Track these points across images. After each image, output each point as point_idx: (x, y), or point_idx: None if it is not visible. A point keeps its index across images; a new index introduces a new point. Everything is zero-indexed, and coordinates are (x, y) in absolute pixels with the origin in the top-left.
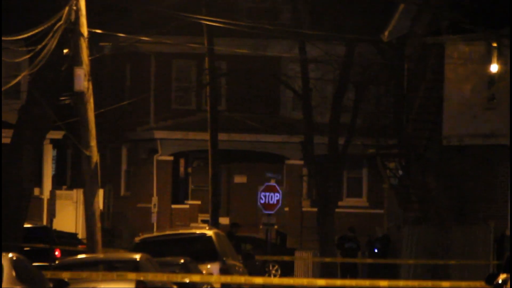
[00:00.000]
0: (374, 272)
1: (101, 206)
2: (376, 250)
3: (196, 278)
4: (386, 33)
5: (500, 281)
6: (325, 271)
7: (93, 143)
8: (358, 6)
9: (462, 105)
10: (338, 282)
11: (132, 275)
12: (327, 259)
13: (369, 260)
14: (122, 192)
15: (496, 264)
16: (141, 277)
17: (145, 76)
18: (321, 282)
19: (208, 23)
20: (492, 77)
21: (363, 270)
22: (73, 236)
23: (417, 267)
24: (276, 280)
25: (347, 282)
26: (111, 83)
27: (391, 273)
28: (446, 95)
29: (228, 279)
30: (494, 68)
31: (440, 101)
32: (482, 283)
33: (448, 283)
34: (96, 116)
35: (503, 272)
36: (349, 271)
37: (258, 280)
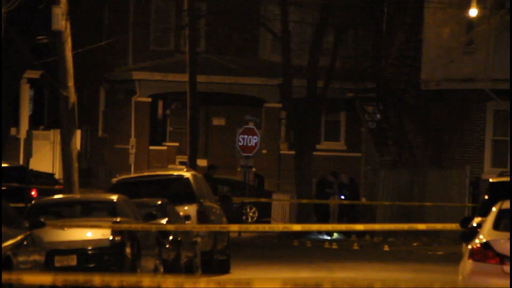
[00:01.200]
0: (350, 217)
1: (78, 146)
2: (343, 197)
3: (170, 227)
4: None
5: (474, 224)
6: (302, 214)
7: (71, 83)
8: None
9: (441, 49)
10: (314, 227)
11: (106, 219)
12: (304, 201)
13: (345, 202)
14: (100, 133)
15: (471, 207)
16: (117, 225)
17: (123, 17)
18: (297, 227)
19: None
20: (470, 22)
21: (337, 214)
22: (49, 176)
23: (393, 209)
24: (252, 227)
25: (323, 226)
26: (89, 23)
27: (367, 217)
28: (424, 39)
29: (203, 228)
30: (473, 12)
31: (418, 45)
32: (457, 226)
33: (424, 225)
34: (74, 56)
35: (478, 215)
36: (325, 215)
37: (234, 227)
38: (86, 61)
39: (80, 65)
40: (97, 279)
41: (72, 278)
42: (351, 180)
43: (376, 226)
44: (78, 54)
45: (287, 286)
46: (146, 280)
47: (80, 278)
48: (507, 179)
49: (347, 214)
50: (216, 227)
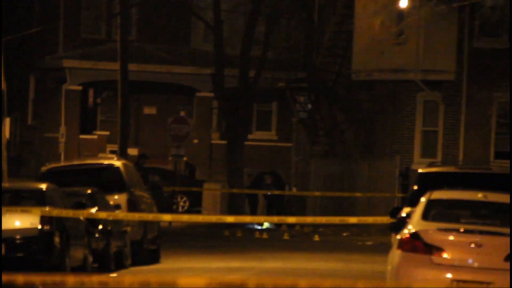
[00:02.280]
0: (279, 207)
1: (7, 134)
2: (264, 187)
3: (102, 215)
4: None
5: (403, 215)
6: (234, 204)
7: (1, 70)
8: None
9: (371, 40)
10: (248, 218)
11: (37, 210)
12: (235, 190)
13: (277, 192)
14: (30, 121)
15: (401, 197)
16: (47, 212)
17: (54, 4)
18: (230, 219)
19: None
20: (401, 13)
21: (266, 204)
22: None
23: (324, 199)
24: (185, 217)
25: (256, 218)
26: (20, 10)
27: (298, 207)
28: (355, 29)
29: (136, 216)
30: (403, 3)
31: (349, 35)
32: (388, 219)
33: (355, 218)
34: (3, 43)
35: (407, 205)
36: (255, 205)
37: (167, 217)
38: (16, 48)
39: (10, 52)
40: (20, 278)
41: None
42: (274, 175)
43: (308, 219)
44: (8, 41)
45: (212, 285)
46: (71, 279)
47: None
48: (436, 169)
49: (277, 204)
50: (149, 216)
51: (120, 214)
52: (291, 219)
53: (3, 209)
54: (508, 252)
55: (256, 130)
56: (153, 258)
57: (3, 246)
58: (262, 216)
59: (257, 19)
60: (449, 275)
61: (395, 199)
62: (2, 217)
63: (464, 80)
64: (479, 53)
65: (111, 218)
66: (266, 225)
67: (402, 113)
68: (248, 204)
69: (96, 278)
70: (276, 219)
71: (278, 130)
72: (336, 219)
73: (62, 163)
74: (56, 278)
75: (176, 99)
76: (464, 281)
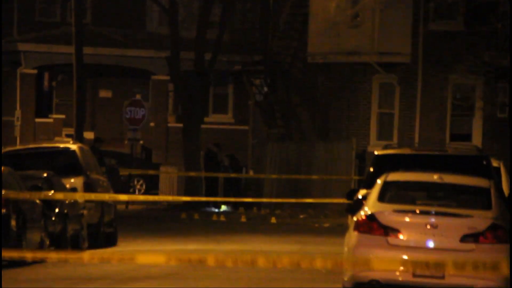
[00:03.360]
0: (236, 190)
1: None
2: (223, 170)
3: (59, 196)
4: None
5: (360, 197)
6: (190, 187)
7: None
8: None
9: (327, 22)
10: (203, 198)
11: None
12: (192, 174)
13: (233, 175)
14: None
15: (357, 179)
16: (4, 194)
17: None
18: (186, 198)
19: None
20: None
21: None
22: None
23: (280, 182)
24: (141, 197)
25: (211, 198)
26: None
27: (254, 190)
28: (311, 12)
29: (92, 196)
30: None
31: (305, 18)
32: (344, 200)
33: (311, 199)
34: None
35: (363, 188)
36: (213, 188)
37: (123, 197)
38: None
39: None
40: None
41: None
42: (231, 158)
43: (264, 199)
44: None
45: (171, 261)
46: (30, 254)
47: None
48: (391, 151)
49: (234, 187)
50: (105, 196)
51: (77, 195)
52: (248, 199)
53: None
54: (464, 233)
55: (213, 113)
56: (110, 241)
57: None
58: (216, 197)
59: (213, 1)
60: (405, 257)
61: (351, 182)
62: None
63: (419, 63)
64: (434, 36)
65: (67, 199)
66: (223, 207)
67: (358, 95)
68: (205, 186)
69: (55, 255)
70: (232, 199)
71: (234, 113)
72: (292, 200)
73: (18, 147)
74: (14, 254)
75: (131, 82)
76: (420, 263)
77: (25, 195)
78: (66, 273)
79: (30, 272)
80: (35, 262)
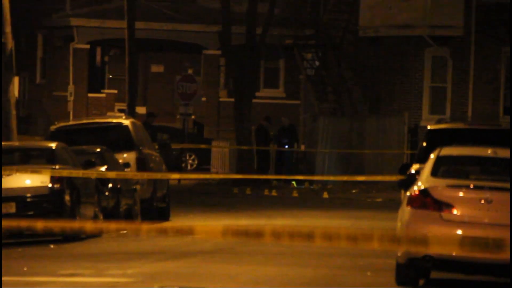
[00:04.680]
0: (288, 165)
1: (16, 93)
2: (286, 146)
3: (111, 174)
4: None
5: (413, 171)
6: (242, 161)
7: (8, 29)
8: None
9: None
10: (254, 176)
11: (45, 167)
12: (244, 147)
13: (285, 149)
14: (38, 79)
15: (410, 154)
16: (56, 172)
17: None
18: (237, 176)
19: None
20: None
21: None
22: None
23: (332, 156)
24: (192, 175)
25: (262, 176)
26: None
27: (306, 165)
28: None
29: (144, 175)
30: None
31: None
32: (397, 176)
33: (363, 177)
34: (11, 1)
35: (416, 162)
36: (265, 162)
37: (175, 175)
38: (24, 7)
39: (17, 10)
40: (39, 225)
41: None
42: (291, 124)
43: (316, 178)
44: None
45: (228, 232)
46: (89, 226)
47: (23, 224)
48: (444, 126)
49: (286, 162)
50: (157, 175)
51: (129, 173)
52: (299, 177)
53: (14, 167)
54: None
55: (264, 87)
56: (162, 216)
57: (14, 204)
58: (268, 175)
59: None
60: (459, 232)
61: (404, 156)
62: (12, 176)
63: (472, 35)
64: (487, 8)
65: (120, 177)
66: (294, 183)
67: (410, 69)
68: (257, 161)
69: (114, 225)
70: (283, 176)
71: (285, 87)
72: (344, 177)
73: (71, 122)
74: (75, 225)
75: (183, 57)
76: (474, 237)
77: (78, 173)
78: (119, 248)
79: (85, 247)
80: (89, 236)
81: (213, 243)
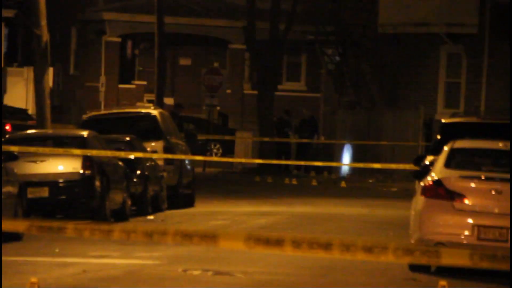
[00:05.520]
0: (307, 155)
1: (50, 83)
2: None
3: (139, 154)
4: None
5: (427, 163)
6: (264, 151)
7: (44, 22)
8: None
9: None
10: (274, 161)
11: (78, 151)
12: (266, 139)
13: (305, 140)
14: (71, 70)
15: (424, 146)
16: (89, 154)
17: None
18: (259, 160)
19: None
20: None
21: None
22: (23, 111)
23: (350, 150)
24: (216, 158)
25: (282, 161)
26: None
27: (327, 154)
28: None
29: (169, 156)
30: None
31: None
32: (411, 165)
33: (379, 164)
34: None
35: (430, 154)
36: (285, 153)
37: (199, 158)
38: (59, 1)
39: (52, 4)
40: (70, 227)
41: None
42: (312, 116)
43: (334, 164)
44: None
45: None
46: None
47: (54, 225)
48: (458, 119)
49: (306, 152)
50: (181, 156)
51: (155, 155)
52: (317, 163)
53: (47, 150)
54: None
55: (286, 81)
56: (188, 202)
57: (47, 189)
58: (287, 160)
59: None
60: (470, 221)
61: (418, 148)
62: (46, 161)
63: (486, 33)
64: (501, 7)
65: (147, 157)
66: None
67: (426, 65)
68: (277, 152)
69: (141, 228)
70: (302, 162)
71: (307, 81)
72: (360, 164)
73: (102, 111)
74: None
75: (209, 51)
76: (485, 226)
77: (107, 153)
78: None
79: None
80: (117, 220)
81: (237, 228)
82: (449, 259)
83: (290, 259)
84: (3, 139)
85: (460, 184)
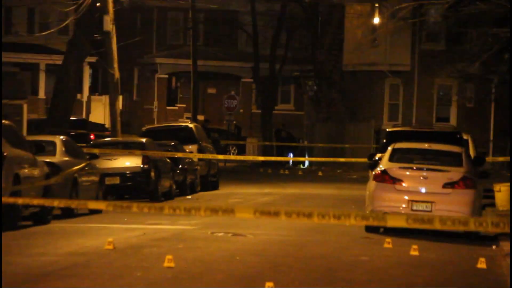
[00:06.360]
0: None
1: (120, 106)
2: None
3: (180, 154)
4: None
5: (377, 158)
6: (266, 151)
7: (115, 65)
8: None
9: (356, 44)
10: (273, 158)
11: (139, 152)
12: (267, 143)
13: (294, 144)
14: (134, 97)
15: (375, 147)
16: (146, 154)
17: (147, 21)
18: (261, 158)
19: None
20: (374, 26)
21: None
22: (102, 126)
23: (324, 149)
24: (232, 157)
25: (279, 158)
26: (128, 26)
27: (309, 153)
28: (345, 37)
29: (201, 155)
30: (376, 20)
31: (341, 41)
32: (366, 160)
33: (343, 159)
34: (118, 47)
35: (379, 152)
36: (282, 153)
37: (220, 157)
38: (126, 50)
39: (121, 52)
40: (134, 205)
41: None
42: (288, 133)
43: (312, 159)
44: (120, 46)
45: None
46: (165, 207)
47: (124, 204)
48: (397, 129)
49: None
50: (209, 156)
51: (191, 154)
52: (302, 158)
53: (118, 152)
54: (445, 182)
55: (280, 103)
56: (214, 186)
57: (118, 178)
58: (282, 157)
59: (280, 33)
60: (406, 197)
61: (371, 149)
62: (117, 159)
63: (415, 70)
64: (425, 52)
65: (185, 157)
66: (301, 166)
67: (375, 92)
68: (276, 152)
69: (182, 205)
70: (291, 158)
71: (294, 103)
72: (330, 159)
73: (155, 125)
74: (157, 205)
75: (228, 83)
76: (416, 201)
77: (158, 154)
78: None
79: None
80: (166, 199)
81: (247, 204)
82: (392, 222)
83: (284, 224)
84: (86, 144)
85: (399, 172)
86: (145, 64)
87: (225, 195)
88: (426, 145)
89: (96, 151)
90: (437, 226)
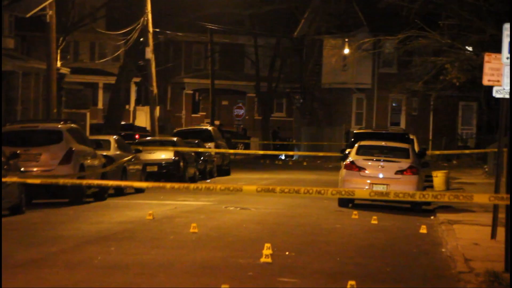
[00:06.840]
0: (286, 150)
1: (157, 114)
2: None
3: (201, 149)
4: (296, 33)
5: (346, 152)
6: (265, 148)
7: (154, 83)
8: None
9: (331, 68)
10: (270, 152)
11: (171, 148)
12: (265, 142)
13: (286, 142)
14: (168, 108)
15: (345, 144)
16: (177, 149)
17: (177, 51)
18: (261, 152)
19: (211, 26)
20: (345, 55)
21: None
22: (144, 129)
23: (308, 146)
24: (240, 151)
25: (275, 152)
26: (163, 55)
27: (297, 149)
28: (323, 63)
29: (217, 150)
30: (346, 51)
31: (320, 66)
32: (339, 153)
33: (322, 153)
34: (156, 71)
35: (348, 148)
36: (277, 150)
37: (231, 151)
38: (162, 73)
39: (159, 74)
40: (168, 185)
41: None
42: (277, 133)
43: (299, 153)
44: (158, 69)
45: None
46: (191, 186)
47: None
48: (362, 131)
49: (285, 148)
50: (222, 150)
51: (210, 149)
52: (291, 152)
53: (156, 148)
54: (396, 170)
55: (276, 112)
56: (227, 173)
57: (156, 167)
58: (277, 151)
59: (275, 60)
60: (368, 181)
61: (342, 145)
62: (155, 153)
63: (375, 88)
64: (382, 75)
65: (206, 151)
66: (282, 157)
67: (346, 104)
68: (273, 148)
69: (204, 186)
70: (283, 152)
71: (286, 112)
72: (311, 153)
73: (183, 128)
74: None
75: (237, 97)
76: (376, 184)
77: (184, 149)
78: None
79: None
80: (192, 182)
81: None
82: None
83: (279, 200)
84: (134, 142)
85: (363, 163)
86: (175, 83)
87: (235, 179)
88: (383, 143)
89: (140, 147)
90: (392, 197)
